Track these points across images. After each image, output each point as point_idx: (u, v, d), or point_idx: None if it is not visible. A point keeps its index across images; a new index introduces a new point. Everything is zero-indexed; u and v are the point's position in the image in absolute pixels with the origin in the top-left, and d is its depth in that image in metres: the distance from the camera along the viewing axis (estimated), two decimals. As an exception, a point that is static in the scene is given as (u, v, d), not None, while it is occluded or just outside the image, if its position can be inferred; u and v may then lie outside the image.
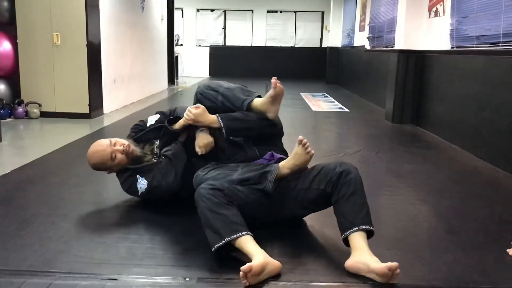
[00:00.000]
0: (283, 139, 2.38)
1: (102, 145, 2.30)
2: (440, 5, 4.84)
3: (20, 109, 5.23)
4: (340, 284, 1.69)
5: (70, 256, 1.85)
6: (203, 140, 2.22)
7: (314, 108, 6.95)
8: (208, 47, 13.61)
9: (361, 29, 8.84)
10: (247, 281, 1.61)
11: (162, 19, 9.03)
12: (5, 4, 5.10)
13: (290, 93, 8.68)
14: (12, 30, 5.19)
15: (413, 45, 5.32)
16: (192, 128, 2.28)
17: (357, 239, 1.80)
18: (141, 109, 6.33)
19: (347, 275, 1.74)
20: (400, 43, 5.43)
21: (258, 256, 1.68)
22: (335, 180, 1.94)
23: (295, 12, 13.69)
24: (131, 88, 7.05)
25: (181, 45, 13.35)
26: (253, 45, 13.78)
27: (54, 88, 5.34)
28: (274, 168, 2.04)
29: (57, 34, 5.22)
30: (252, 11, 13.67)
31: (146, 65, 7.93)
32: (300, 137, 2.04)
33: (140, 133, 2.45)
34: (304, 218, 2.25)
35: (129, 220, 2.33)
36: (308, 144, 2.04)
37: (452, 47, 4.55)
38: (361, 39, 8.62)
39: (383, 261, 1.68)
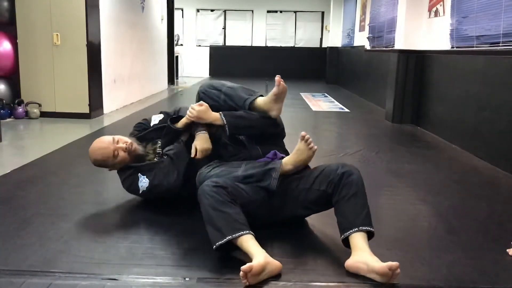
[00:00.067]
0: (284, 140, 2.38)
1: (104, 142, 2.30)
2: (440, 5, 4.84)
3: (20, 109, 5.23)
4: (340, 284, 1.69)
5: (70, 256, 1.85)
6: (202, 144, 2.21)
7: (314, 108, 6.95)
8: (208, 47, 13.62)
9: (361, 29, 8.84)
10: (247, 281, 1.61)
11: (162, 19, 9.03)
12: (5, 4, 5.10)
13: (290, 93, 8.67)
14: (12, 30, 5.19)
15: (413, 45, 5.32)
16: (194, 127, 2.28)
17: (358, 239, 1.80)
18: (141, 109, 6.33)
19: (347, 275, 1.74)
20: (400, 43, 5.43)
21: (258, 256, 1.68)
22: (337, 181, 1.94)
23: (295, 12, 13.69)
24: (131, 88, 7.05)
25: (181, 45, 13.35)
26: (253, 45, 13.78)
27: (54, 88, 5.34)
28: (278, 164, 2.05)
29: (57, 34, 5.22)
30: (252, 11, 13.67)
31: (146, 65, 7.93)
32: (303, 133, 2.05)
33: (143, 131, 2.45)
34: (305, 218, 2.25)
35: (129, 220, 2.33)
36: (310, 139, 2.05)
37: (452, 47, 4.55)
38: (361, 39, 8.62)
39: (383, 261, 1.68)
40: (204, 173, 2.12)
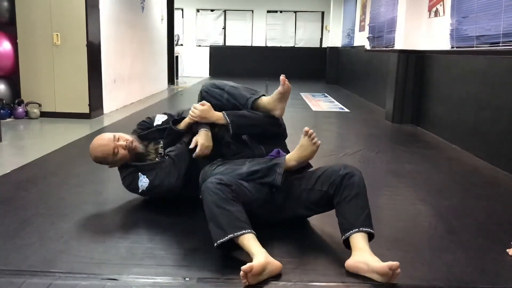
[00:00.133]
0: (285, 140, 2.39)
1: (105, 139, 2.30)
2: (440, 5, 4.84)
3: (20, 109, 5.23)
4: (340, 284, 1.69)
5: (70, 256, 1.85)
6: (204, 141, 2.19)
7: (314, 108, 6.95)
8: (208, 47, 13.62)
9: (361, 29, 8.84)
10: (247, 281, 1.61)
11: (162, 19, 9.03)
12: (5, 4, 5.10)
13: (291, 93, 8.66)
14: (12, 30, 5.19)
15: (413, 45, 5.32)
16: (196, 127, 2.27)
17: (358, 240, 1.80)
18: (141, 109, 6.33)
19: (347, 275, 1.74)
20: (400, 43, 5.43)
21: (259, 256, 1.68)
22: (339, 182, 1.94)
23: (295, 12, 13.69)
24: (131, 88, 7.05)
25: (181, 45, 13.35)
26: (253, 45, 13.78)
27: (54, 88, 5.34)
28: (282, 160, 2.05)
29: (57, 34, 5.22)
30: (252, 11, 13.67)
31: (146, 65, 7.93)
32: (306, 128, 2.05)
33: (146, 130, 2.45)
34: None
35: (129, 220, 2.33)
36: (314, 134, 2.05)
37: (452, 47, 4.55)
38: (361, 39, 8.62)
39: (383, 261, 1.68)
40: (208, 171, 2.12)
